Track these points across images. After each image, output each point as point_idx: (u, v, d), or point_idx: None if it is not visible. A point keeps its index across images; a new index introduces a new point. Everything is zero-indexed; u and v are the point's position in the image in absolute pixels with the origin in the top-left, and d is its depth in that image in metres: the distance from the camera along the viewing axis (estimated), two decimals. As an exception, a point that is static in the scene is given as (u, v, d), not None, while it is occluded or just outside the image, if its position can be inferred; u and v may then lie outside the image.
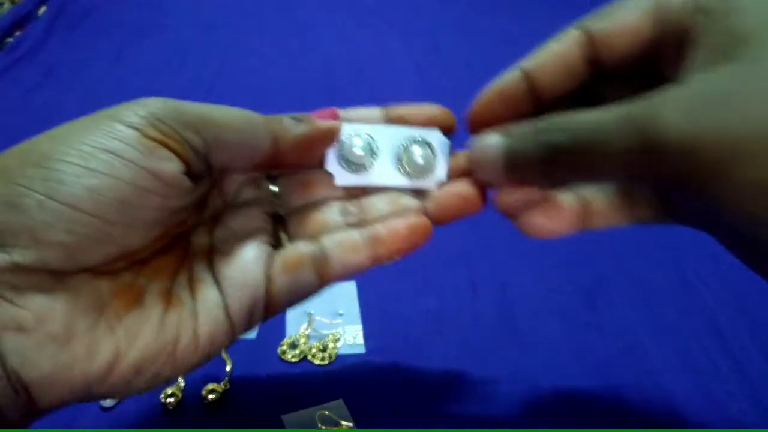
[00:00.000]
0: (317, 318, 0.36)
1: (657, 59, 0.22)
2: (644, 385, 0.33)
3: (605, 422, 0.31)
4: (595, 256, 0.40)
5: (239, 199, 0.25)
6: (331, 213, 0.25)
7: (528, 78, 0.23)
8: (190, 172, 0.21)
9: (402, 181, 0.24)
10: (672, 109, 0.17)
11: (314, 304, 0.37)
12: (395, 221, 0.24)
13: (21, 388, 0.18)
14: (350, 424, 0.30)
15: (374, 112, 0.25)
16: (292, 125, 0.23)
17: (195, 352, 0.22)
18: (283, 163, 0.23)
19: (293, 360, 0.33)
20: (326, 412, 0.30)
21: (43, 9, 0.75)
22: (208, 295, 0.22)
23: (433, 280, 0.39)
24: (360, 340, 0.35)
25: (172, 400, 0.30)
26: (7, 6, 0.81)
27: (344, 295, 0.38)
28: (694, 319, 0.36)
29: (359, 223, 0.24)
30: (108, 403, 0.30)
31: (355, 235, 0.24)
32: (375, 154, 0.24)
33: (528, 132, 0.21)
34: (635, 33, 0.21)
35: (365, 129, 0.24)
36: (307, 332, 0.35)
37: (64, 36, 0.69)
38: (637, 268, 0.40)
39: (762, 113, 0.16)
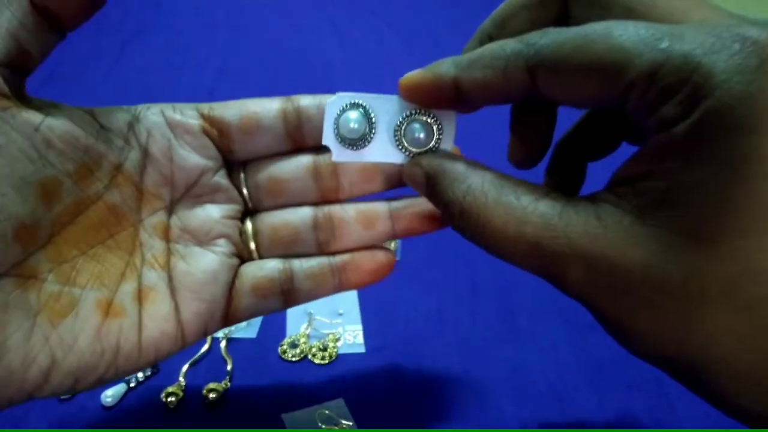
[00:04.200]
0: (317, 318, 0.36)
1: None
2: (645, 385, 0.33)
3: (605, 423, 0.31)
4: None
5: (196, 190, 0.24)
6: (304, 227, 0.24)
7: (457, 84, 0.21)
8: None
9: (401, 158, 0.23)
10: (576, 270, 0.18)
11: (315, 304, 0.37)
12: (362, 256, 0.25)
13: None
14: (350, 423, 0.30)
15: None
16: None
17: (138, 360, 0.22)
18: None
19: (293, 359, 0.34)
20: (326, 411, 0.30)
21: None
22: (159, 307, 0.22)
23: (434, 280, 0.40)
24: (360, 339, 0.35)
25: (173, 399, 0.30)
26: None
27: (344, 294, 0.38)
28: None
29: (327, 243, 0.25)
30: (109, 401, 0.30)
31: (325, 267, 0.24)
32: (373, 128, 0.23)
33: None
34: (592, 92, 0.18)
35: (361, 99, 0.23)
36: (307, 332, 0.35)
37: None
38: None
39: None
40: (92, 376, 0.21)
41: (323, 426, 0.29)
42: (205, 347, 0.34)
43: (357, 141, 0.23)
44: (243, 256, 0.24)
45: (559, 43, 0.18)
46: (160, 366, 0.33)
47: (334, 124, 0.23)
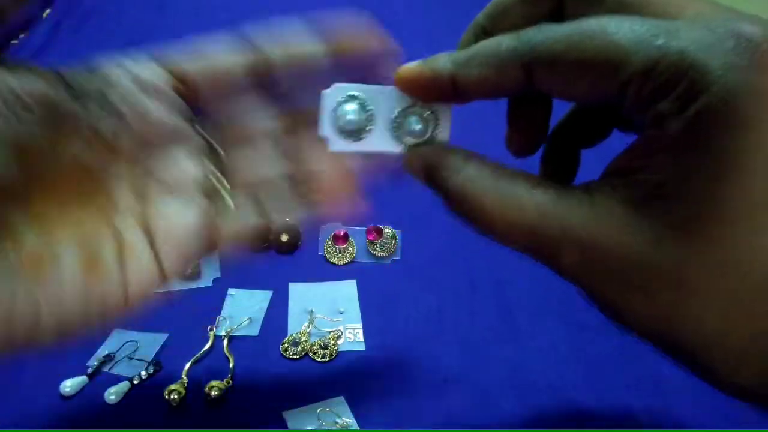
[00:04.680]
0: (318, 316, 0.36)
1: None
2: (643, 384, 0.33)
3: (604, 422, 0.31)
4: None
5: (168, 146, 0.24)
6: (276, 176, 0.25)
7: (454, 81, 0.21)
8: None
9: (399, 147, 0.23)
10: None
11: (316, 303, 0.37)
12: (331, 190, 0.25)
13: None
14: (351, 421, 0.30)
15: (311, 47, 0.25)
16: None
17: (125, 308, 0.22)
18: None
19: (295, 357, 0.34)
20: (327, 409, 0.30)
21: (47, 11, 0.76)
22: (139, 260, 0.23)
23: (433, 279, 0.40)
24: (360, 337, 0.35)
25: (175, 396, 0.31)
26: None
27: (345, 293, 0.38)
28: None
29: (302, 189, 0.25)
30: (113, 399, 0.31)
31: (301, 211, 0.25)
32: (370, 119, 0.23)
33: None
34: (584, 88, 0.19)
35: (359, 91, 0.23)
36: (308, 330, 0.35)
37: (69, 38, 0.70)
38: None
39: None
40: (78, 329, 0.22)
41: (324, 423, 0.30)
42: (208, 345, 0.34)
43: (355, 132, 0.23)
44: (217, 206, 0.25)
45: (554, 39, 0.18)
46: (163, 364, 0.33)
47: (332, 114, 0.23)
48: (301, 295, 0.38)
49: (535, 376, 0.33)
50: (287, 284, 0.39)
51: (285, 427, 0.30)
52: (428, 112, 0.23)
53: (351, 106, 0.23)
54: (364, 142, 0.23)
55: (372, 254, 0.41)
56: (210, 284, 0.39)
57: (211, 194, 0.24)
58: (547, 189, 0.20)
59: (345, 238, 0.41)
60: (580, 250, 0.19)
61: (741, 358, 0.18)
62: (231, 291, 0.38)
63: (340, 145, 0.23)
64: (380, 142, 0.23)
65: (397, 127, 0.23)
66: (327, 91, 0.23)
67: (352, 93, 0.23)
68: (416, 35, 0.74)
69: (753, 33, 0.16)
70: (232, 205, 0.25)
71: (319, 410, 0.30)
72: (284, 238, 0.41)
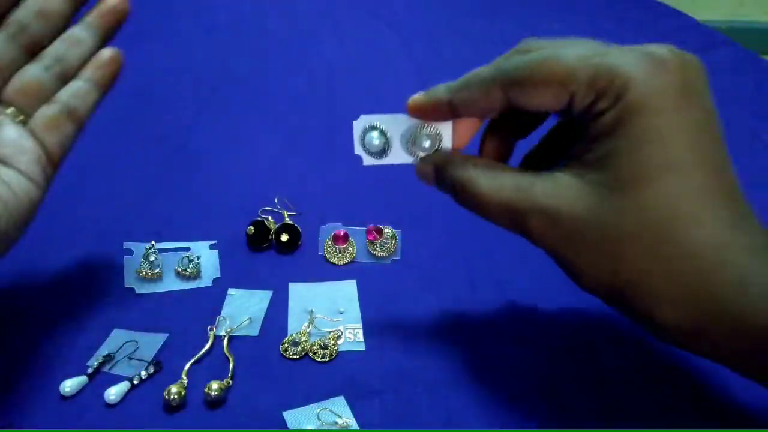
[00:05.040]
0: (318, 316, 0.36)
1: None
2: (644, 383, 0.33)
3: (604, 422, 0.31)
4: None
5: None
6: (39, 76, 0.31)
7: (451, 104, 0.28)
8: None
9: (413, 158, 0.31)
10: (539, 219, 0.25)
11: (316, 303, 0.37)
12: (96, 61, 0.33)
13: None
14: (350, 421, 0.30)
15: None
16: None
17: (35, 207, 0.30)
18: None
19: (295, 357, 0.34)
20: (327, 409, 0.30)
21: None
22: (10, 175, 0.29)
23: (433, 278, 0.40)
24: (360, 337, 0.35)
25: (175, 397, 0.30)
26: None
27: (345, 293, 0.38)
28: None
29: (61, 69, 0.32)
30: (113, 399, 0.31)
31: (81, 86, 0.32)
32: (389, 141, 0.30)
33: None
34: (552, 99, 0.25)
35: (379, 121, 0.30)
36: (308, 330, 0.35)
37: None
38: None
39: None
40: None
41: (324, 423, 0.30)
42: (208, 345, 0.34)
43: (379, 152, 0.31)
44: (23, 119, 0.31)
45: (519, 66, 0.25)
46: (163, 364, 0.33)
47: (361, 140, 0.30)
48: (301, 295, 0.38)
49: (535, 374, 0.33)
50: (287, 284, 0.39)
51: (285, 427, 0.30)
52: (433, 130, 0.30)
53: (374, 134, 0.30)
54: (387, 158, 0.31)
55: (372, 254, 0.41)
56: (210, 284, 0.39)
57: (8, 113, 0.30)
58: (523, 173, 0.27)
59: (345, 238, 0.41)
60: (544, 216, 0.25)
61: (661, 299, 0.23)
62: (231, 291, 0.38)
63: (369, 161, 0.31)
64: (399, 156, 0.31)
65: (411, 144, 0.30)
66: (355, 123, 0.30)
67: (373, 123, 0.30)
68: (416, 35, 0.74)
69: (661, 53, 0.23)
70: (21, 116, 0.31)
71: (318, 410, 0.30)
72: (284, 238, 0.41)
